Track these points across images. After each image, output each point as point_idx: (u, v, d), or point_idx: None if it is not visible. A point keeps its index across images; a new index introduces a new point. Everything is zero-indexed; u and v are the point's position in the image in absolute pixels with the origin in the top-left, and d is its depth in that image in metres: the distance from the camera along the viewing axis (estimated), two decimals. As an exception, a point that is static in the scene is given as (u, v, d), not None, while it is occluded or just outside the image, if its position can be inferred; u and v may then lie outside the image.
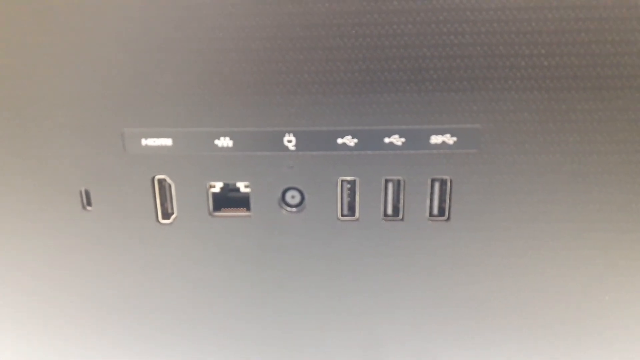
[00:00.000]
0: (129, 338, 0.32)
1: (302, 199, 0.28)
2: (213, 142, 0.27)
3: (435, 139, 0.27)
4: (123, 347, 0.32)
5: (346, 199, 0.28)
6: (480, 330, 0.30)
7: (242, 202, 0.29)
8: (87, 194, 0.29)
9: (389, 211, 0.28)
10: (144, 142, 0.27)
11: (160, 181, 0.28)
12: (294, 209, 0.28)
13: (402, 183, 0.27)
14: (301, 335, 0.31)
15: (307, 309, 0.30)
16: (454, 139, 0.27)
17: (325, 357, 0.31)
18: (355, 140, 0.27)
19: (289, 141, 0.27)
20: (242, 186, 0.28)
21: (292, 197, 0.28)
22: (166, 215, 0.29)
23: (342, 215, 0.28)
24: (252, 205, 0.28)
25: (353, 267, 0.29)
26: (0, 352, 0.33)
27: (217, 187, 0.28)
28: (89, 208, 0.29)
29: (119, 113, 0.27)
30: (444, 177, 0.27)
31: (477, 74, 0.25)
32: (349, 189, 0.28)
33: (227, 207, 0.29)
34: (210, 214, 0.29)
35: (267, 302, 0.30)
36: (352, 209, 0.28)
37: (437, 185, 0.28)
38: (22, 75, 0.27)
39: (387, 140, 0.27)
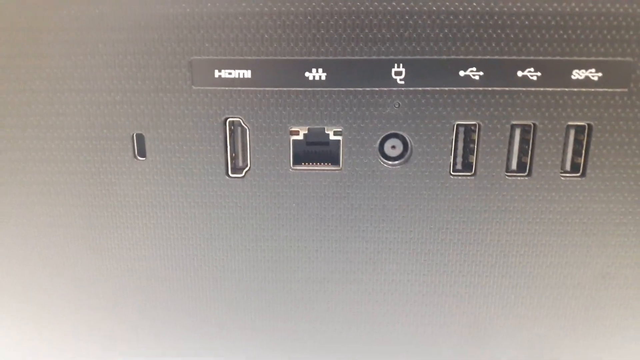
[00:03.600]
0: (186, 305, 0.27)
1: (405, 149, 0.24)
2: (303, 75, 0.23)
3: (577, 74, 0.23)
4: (184, 312, 0.27)
5: (461, 150, 0.24)
6: (616, 316, 0.26)
7: (323, 157, 0.25)
8: (140, 140, 0.24)
9: (513, 165, 0.24)
10: (217, 74, 0.23)
11: (233, 124, 0.24)
12: (395, 162, 0.24)
13: (532, 130, 0.24)
14: (399, 307, 0.26)
15: (407, 280, 0.26)
16: (599, 74, 0.23)
17: (432, 332, 0.27)
18: (481, 74, 0.23)
19: (398, 73, 0.23)
20: (331, 133, 0.24)
21: (393, 147, 0.24)
22: (237, 169, 0.25)
23: (455, 170, 0.24)
24: (343, 156, 0.24)
25: (467, 233, 0.25)
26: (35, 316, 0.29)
27: (301, 134, 0.24)
28: (141, 158, 0.25)
29: (186, 38, 0.23)
30: (582, 122, 0.23)
31: (631, -5, 0.22)
32: (465, 137, 0.24)
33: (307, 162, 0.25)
34: (290, 167, 0.24)
35: (360, 275, 0.26)
36: (467, 163, 0.24)
37: (571, 134, 0.24)
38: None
39: (520, 73, 0.23)
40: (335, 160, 0.24)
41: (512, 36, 0.22)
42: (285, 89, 0.23)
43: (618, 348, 0.27)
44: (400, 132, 0.23)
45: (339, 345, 0.27)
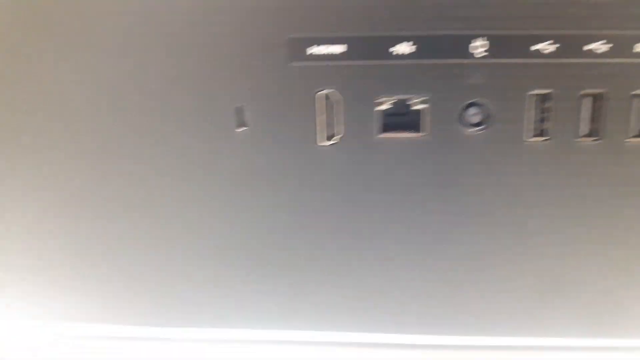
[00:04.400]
0: (281, 272, 0.29)
1: (484, 117, 0.26)
2: (391, 49, 0.26)
3: (641, 47, 0.25)
4: (276, 281, 0.29)
5: (534, 117, 0.27)
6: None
7: (407, 126, 0.27)
8: (241, 112, 0.27)
9: (584, 131, 0.27)
10: (312, 50, 0.26)
11: (325, 96, 0.27)
12: (475, 129, 0.27)
13: (600, 98, 0.26)
14: (479, 268, 0.28)
15: (486, 241, 0.28)
16: (662, 46, 0.25)
17: (509, 289, 0.29)
18: (554, 47, 0.25)
19: (479, 47, 0.25)
20: (416, 103, 0.26)
21: (473, 115, 0.26)
22: (328, 138, 0.27)
23: (530, 135, 0.27)
24: (427, 124, 0.26)
25: (541, 194, 0.27)
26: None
27: (388, 104, 0.27)
28: (242, 128, 0.27)
29: (284, 17, 0.26)
30: None
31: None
32: (539, 105, 0.27)
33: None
34: (377, 135, 0.27)
35: (443, 235, 0.28)
36: (541, 129, 0.27)
37: (636, 102, 0.26)
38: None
39: (589, 47, 0.25)
40: (418, 128, 0.27)
41: (582, 13, 0.25)
42: (375, 62, 0.26)
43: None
44: (480, 101, 0.26)
45: (421, 302, 0.29)
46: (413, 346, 0.30)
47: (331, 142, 0.27)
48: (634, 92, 0.25)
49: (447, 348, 0.30)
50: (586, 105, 0.26)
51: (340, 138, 0.27)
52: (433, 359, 0.30)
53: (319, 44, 0.26)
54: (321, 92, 0.26)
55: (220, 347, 0.31)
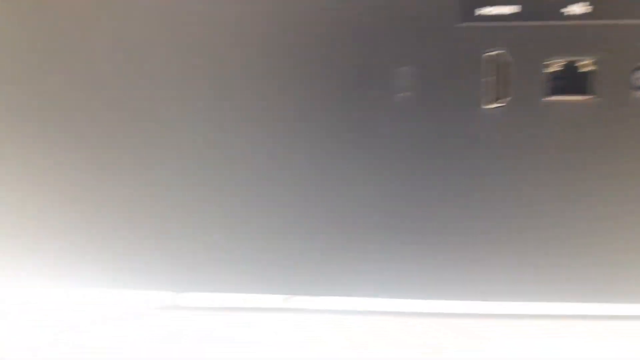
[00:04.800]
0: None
1: (654, 80, 0.26)
2: (562, 9, 0.26)
3: None
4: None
5: None
6: None
7: (573, 89, 0.26)
8: (404, 75, 0.27)
9: None
10: (481, 10, 0.26)
11: (492, 58, 0.27)
12: (644, 92, 0.26)
13: None
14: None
15: None
16: None
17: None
18: None
19: (656, 6, 0.25)
20: (585, 65, 0.26)
21: (643, 77, 0.26)
22: (494, 101, 0.27)
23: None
24: (596, 87, 0.26)
25: None
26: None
27: (555, 66, 0.26)
28: (403, 93, 0.27)
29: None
30: None
31: None
32: None
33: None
34: (545, 98, 0.26)
35: (613, 196, 0.27)
36: None
37: None
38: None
39: None
40: (587, 91, 0.26)
41: None
42: (546, 23, 0.26)
43: None
44: (652, 63, 0.26)
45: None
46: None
47: (497, 105, 0.27)
48: None
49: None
50: None
51: (507, 101, 0.26)
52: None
53: (490, 5, 0.26)
54: (490, 53, 0.26)
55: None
